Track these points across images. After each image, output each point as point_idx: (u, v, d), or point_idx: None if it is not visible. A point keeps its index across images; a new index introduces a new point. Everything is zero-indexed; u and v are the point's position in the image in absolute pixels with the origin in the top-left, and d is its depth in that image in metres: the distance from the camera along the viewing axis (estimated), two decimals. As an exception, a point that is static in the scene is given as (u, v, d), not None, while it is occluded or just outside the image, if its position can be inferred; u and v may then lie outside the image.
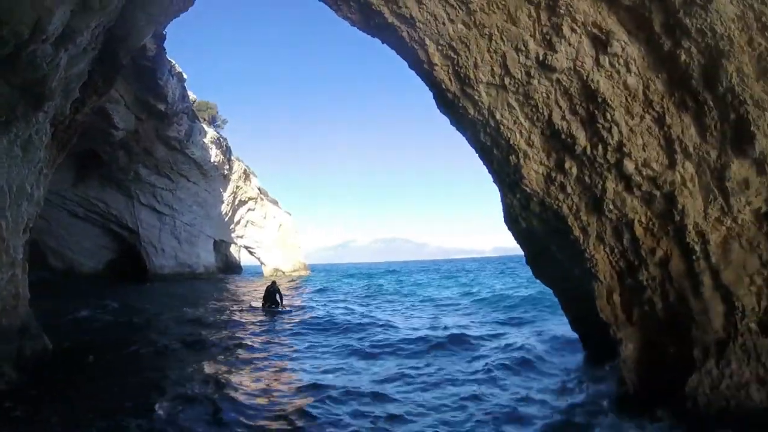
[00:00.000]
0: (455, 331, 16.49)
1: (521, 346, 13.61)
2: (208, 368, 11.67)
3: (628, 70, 6.77)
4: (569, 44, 6.85)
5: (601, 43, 6.79)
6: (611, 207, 7.21)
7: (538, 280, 11.31)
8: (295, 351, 14.14)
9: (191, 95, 46.37)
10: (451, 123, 8.65)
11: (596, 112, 6.90)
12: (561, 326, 14.24)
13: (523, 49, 7.02)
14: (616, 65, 6.78)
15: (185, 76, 42.43)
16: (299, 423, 8.07)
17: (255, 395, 9.61)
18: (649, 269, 7.26)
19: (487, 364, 11.91)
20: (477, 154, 8.81)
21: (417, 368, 11.75)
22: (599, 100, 6.83)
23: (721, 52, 6.25)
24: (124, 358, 12.35)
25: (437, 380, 10.65)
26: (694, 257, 6.94)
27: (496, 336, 16.00)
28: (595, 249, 7.51)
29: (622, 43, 6.72)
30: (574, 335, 11.99)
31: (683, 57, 6.46)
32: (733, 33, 6.18)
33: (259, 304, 24.10)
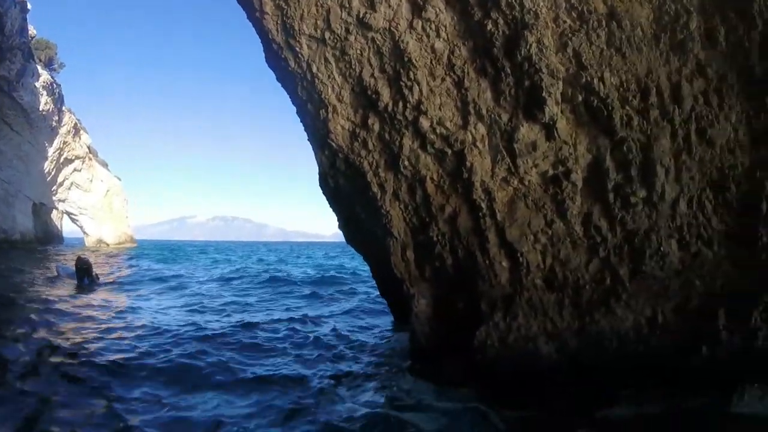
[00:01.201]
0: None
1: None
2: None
3: (438, 36, 7.05)
4: (389, 6, 7.04)
5: (418, 7, 7.03)
6: (406, 164, 7.49)
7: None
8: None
9: (31, 30, 41.49)
10: (277, 79, 8.64)
11: (402, 70, 7.12)
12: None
13: (347, 6, 7.12)
14: (428, 30, 7.04)
15: (29, 6, 38.01)
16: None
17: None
18: (439, 225, 7.65)
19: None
20: (296, 112, 8.80)
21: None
22: (405, 59, 7.05)
23: (525, 25, 6.66)
24: None
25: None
26: (480, 214, 7.37)
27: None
28: (391, 205, 7.78)
29: (437, 11, 6.98)
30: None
31: (489, 26, 6.83)
32: (540, 9, 6.62)
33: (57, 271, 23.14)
